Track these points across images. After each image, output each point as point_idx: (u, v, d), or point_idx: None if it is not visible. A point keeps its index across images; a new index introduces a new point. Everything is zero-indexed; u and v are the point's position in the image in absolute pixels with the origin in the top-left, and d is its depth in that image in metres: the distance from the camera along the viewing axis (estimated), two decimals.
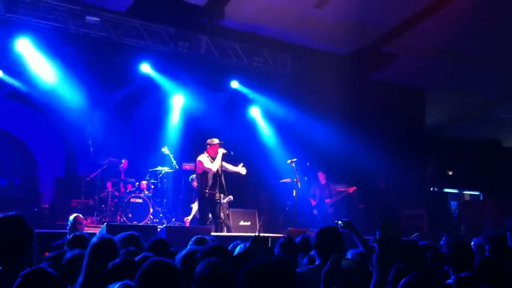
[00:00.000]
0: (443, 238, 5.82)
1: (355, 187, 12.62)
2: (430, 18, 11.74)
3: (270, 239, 6.04)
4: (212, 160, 9.61)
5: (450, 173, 17.10)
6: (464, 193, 18.32)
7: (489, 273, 3.61)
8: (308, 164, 12.46)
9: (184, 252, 3.75)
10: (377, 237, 2.90)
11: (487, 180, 16.74)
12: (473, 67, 13.63)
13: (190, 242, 4.70)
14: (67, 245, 5.00)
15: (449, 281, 3.90)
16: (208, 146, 9.72)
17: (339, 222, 4.90)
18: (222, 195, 9.84)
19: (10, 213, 3.26)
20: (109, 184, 11.52)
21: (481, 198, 17.92)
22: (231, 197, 11.16)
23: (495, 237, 4.48)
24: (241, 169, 10.17)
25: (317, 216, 12.11)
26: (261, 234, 3.76)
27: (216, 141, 9.71)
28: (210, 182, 9.56)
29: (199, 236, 4.99)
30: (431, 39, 12.52)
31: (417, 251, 4.03)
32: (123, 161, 11.58)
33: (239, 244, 4.51)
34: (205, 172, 9.58)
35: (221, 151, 9.60)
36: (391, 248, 2.75)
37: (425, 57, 13.33)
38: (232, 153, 10.08)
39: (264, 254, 4.30)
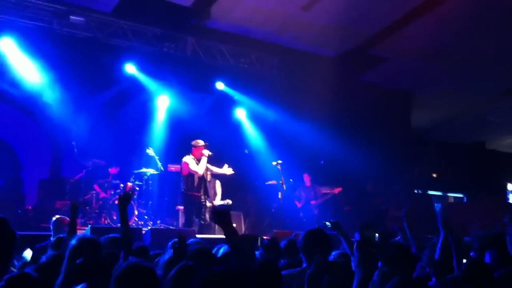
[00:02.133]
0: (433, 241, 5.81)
1: (340, 188, 12.65)
2: (418, 21, 11.79)
3: (259, 238, 6.02)
4: (197, 162, 9.58)
5: (435, 175, 17.20)
6: (448, 196, 18.44)
7: (477, 275, 3.57)
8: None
9: (168, 256, 3.71)
10: (357, 239, 2.88)
11: (471, 183, 16.87)
12: (460, 71, 13.72)
13: (169, 246, 4.66)
14: (51, 247, 4.96)
15: (430, 283, 3.90)
16: (193, 147, 9.69)
17: (327, 223, 4.90)
18: (206, 197, 9.85)
19: None
20: (95, 186, 11.42)
21: (464, 201, 18.04)
22: (229, 201, 11.13)
23: (487, 237, 4.45)
24: (226, 170, 10.13)
25: (303, 218, 12.12)
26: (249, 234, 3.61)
27: (201, 142, 9.69)
28: (195, 184, 9.55)
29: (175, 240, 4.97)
30: (419, 41, 12.57)
31: (405, 254, 4.02)
32: (112, 168, 11.56)
33: (222, 246, 4.48)
34: (191, 174, 9.56)
35: (206, 152, 9.58)
36: (370, 251, 2.73)
37: (412, 60, 13.38)
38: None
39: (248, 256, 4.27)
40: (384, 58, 13.56)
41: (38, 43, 10.47)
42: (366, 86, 14.28)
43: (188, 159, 9.60)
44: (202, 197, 9.61)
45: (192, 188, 9.55)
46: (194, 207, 9.60)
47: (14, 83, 11.18)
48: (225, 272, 2.12)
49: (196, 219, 9.60)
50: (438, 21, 11.65)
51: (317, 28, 12.11)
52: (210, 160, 9.76)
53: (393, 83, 14.72)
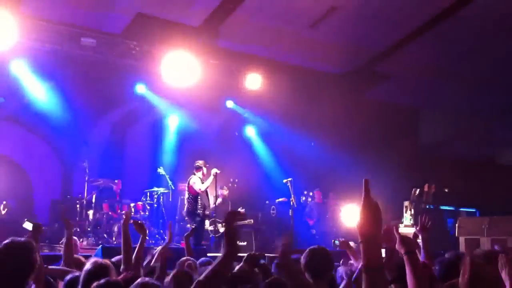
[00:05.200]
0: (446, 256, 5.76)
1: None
2: (421, 39, 11.86)
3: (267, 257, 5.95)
4: (202, 181, 9.70)
5: (446, 190, 17.07)
6: (460, 211, 18.27)
7: None
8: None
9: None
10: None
11: (483, 197, 16.73)
12: (467, 86, 13.73)
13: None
14: None
15: None
16: (199, 167, 9.81)
17: (336, 241, 4.90)
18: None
19: (20, 239, 3.22)
20: (105, 206, 11.44)
21: (477, 215, 17.87)
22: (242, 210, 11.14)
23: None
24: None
25: (316, 235, 12.05)
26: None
27: (203, 163, 9.86)
28: (203, 202, 9.63)
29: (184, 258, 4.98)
30: (425, 58, 12.62)
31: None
32: (116, 181, 11.55)
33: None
34: (198, 193, 9.64)
35: (214, 171, 9.64)
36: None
37: (419, 76, 13.42)
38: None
39: (263, 275, 4.26)
40: (390, 75, 13.60)
41: (49, 65, 10.59)
42: (373, 102, 14.29)
43: (195, 179, 9.72)
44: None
45: (201, 207, 9.62)
46: (203, 225, 9.66)
47: (26, 105, 11.30)
48: None
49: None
50: (443, 38, 11.72)
51: (324, 46, 12.18)
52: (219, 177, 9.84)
53: (400, 100, 14.74)
